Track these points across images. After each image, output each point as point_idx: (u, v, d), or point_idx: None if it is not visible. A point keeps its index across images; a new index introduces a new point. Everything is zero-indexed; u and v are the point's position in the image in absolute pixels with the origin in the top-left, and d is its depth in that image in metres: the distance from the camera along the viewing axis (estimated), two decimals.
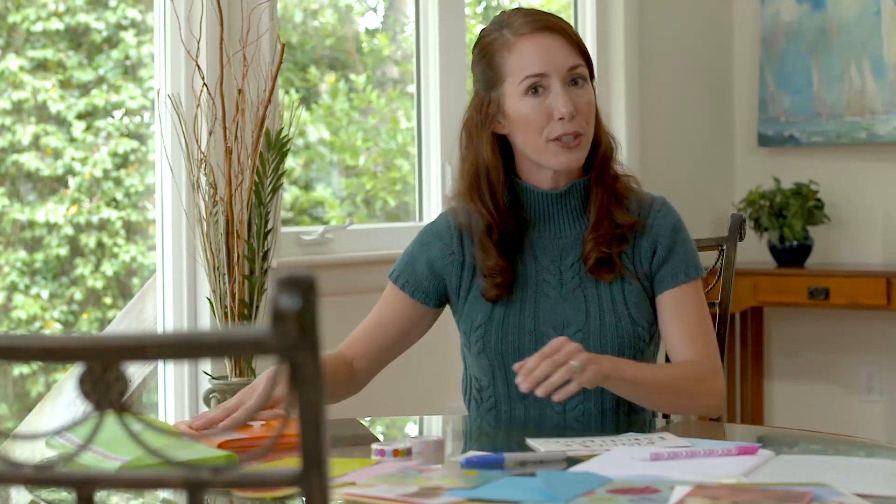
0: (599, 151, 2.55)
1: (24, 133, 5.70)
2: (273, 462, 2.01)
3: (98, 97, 5.82)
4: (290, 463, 1.99)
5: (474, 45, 2.60)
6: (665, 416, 2.76)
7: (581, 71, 2.50)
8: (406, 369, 3.22)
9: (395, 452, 2.07)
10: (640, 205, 2.57)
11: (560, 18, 2.55)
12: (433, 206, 4.51)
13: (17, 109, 5.72)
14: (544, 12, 2.57)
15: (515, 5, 5.61)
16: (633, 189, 2.58)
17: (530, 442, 2.14)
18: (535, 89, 2.48)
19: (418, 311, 2.58)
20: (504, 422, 2.49)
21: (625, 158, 5.21)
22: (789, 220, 5.28)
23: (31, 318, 5.68)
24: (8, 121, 5.69)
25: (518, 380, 2.24)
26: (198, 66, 3.54)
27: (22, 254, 5.71)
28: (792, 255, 5.32)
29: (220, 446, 2.09)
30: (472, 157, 2.56)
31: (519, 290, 2.51)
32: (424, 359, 3.22)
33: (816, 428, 5.22)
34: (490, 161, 2.53)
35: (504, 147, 2.56)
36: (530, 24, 2.51)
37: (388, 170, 5.77)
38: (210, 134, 3.50)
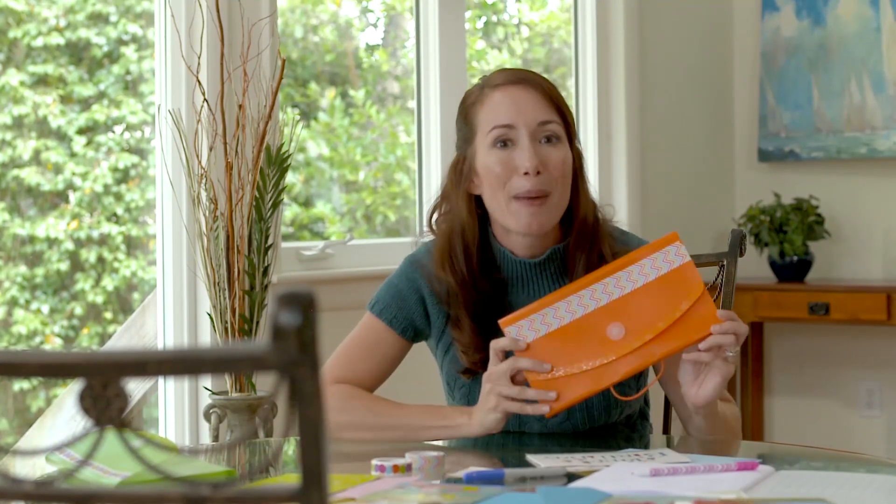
0: (578, 216, 2.44)
1: (25, 148, 5.71)
2: None
3: (99, 112, 5.83)
4: (291, 479, 1.99)
5: (459, 105, 2.53)
6: (665, 432, 2.76)
7: (554, 129, 2.40)
8: (407, 384, 3.22)
9: (395, 468, 2.07)
10: (617, 255, 2.47)
11: (541, 76, 2.46)
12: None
13: (18, 124, 5.73)
14: (527, 70, 2.49)
15: (515, 21, 5.61)
16: (617, 247, 2.46)
17: (530, 458, 2.13)
18: (503, 142, 2.39)
19: (404, 348, 2.52)
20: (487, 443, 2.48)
21: (625, 175, 5.24)
22: (789, 235, 5.29)
23: (31, 333, 5.68)
24: (8, 136, 5.70)
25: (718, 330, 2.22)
26: (198, 81, 3.54)
27: (22, 269, 5.71)
28: (792, 270, 5.32)
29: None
30: (449, 218, 2.48)
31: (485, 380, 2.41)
32: (425, 374, 3.21)
33: (817, 444, 5.22)
34: (465, 221, 2.44)
35: (482, 209, 2.47)
36: (505, 76, 2.44)
37: (387, 185, 5.78)
38: (210, 149, 3.51)
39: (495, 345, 2.26)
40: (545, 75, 2.52)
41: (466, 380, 2.46)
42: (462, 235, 2.45)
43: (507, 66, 5.18)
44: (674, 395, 2.47)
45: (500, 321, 2.26)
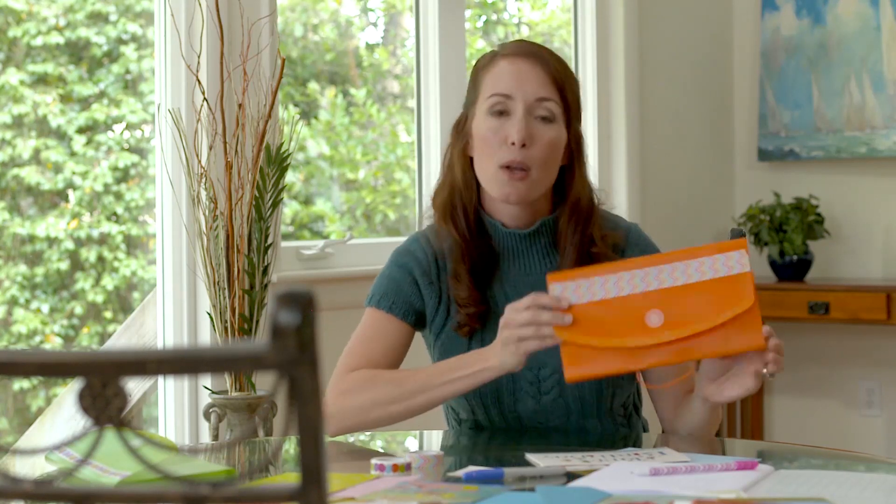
0: (571, 197, 2.48)
1: (25, 147, 5.71)
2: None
3: (98, 111, 5.83)
4: (291, 478, 1.99)
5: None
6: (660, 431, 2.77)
7: (550, 106, 2.44)
8: None
9: (395, 467, 2.07)
10: (614, 244, 2.50)
11: (552, 54, 2.48)
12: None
13: (18, 123, 5.73)
14: (540, 45, 2.51)
15: (515, 20, 5.61)
16: (606, 230, 2.50)
17: (530, 457, 2.14)
18: (499, 112, 2.43)
19: (408, 334, 2.53)
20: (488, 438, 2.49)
21: (625, 174, 5.23)
22: (789, 234, 5.29)
23: (31, 332, 5.69)
24: (8, 135, 5.70)
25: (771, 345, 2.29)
26: (198, 80, 3.54)
27: (22, 268, 5.71)
28: (792, 269, 5.32)
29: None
30: (450, 176, 2.52)
31: (492, 329, 2.43)
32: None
33: (816, 443, 5.22)
34: (461, 181, 2.49)
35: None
36: (516, 47, 2.48)
37: (387, 184, 5.78)
38: (210, 148, 3.51)
39: (536, 299, 2.24)
40: None
41: (463, 336, 2.47)
42: (461, 195, 2.50)
43: None
44: (657, 394, 2.50)
45: (548, 274, 2.26)
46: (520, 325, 2.24)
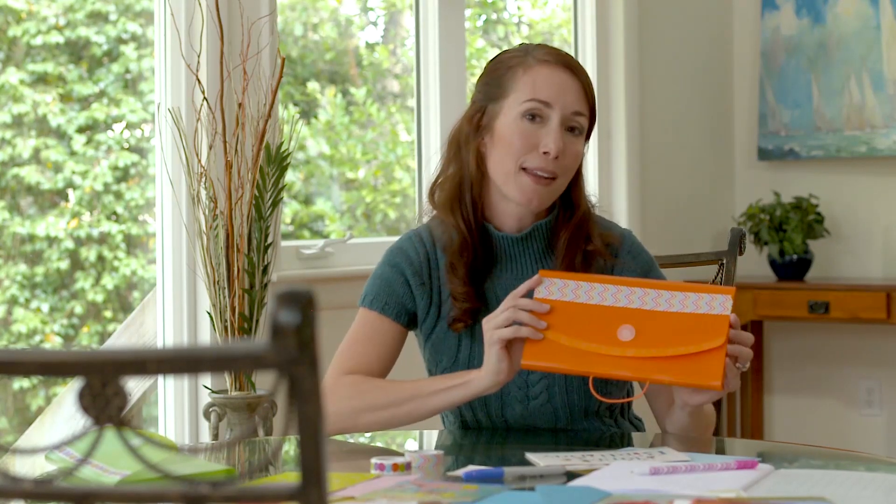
0: (577, 214, 2.50)
1: (25, 147, 5.71)
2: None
3: (98, 111, 5.83)
4: (291, 477, 1.99)
5: (489, 61, 2.56)
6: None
7: (581, 121, 2.45)
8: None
9: (395, 467, 2.07)
10: (608, 246, 2.51)
11: (585, 70, 2.52)
12: None
13: (18, 123, 5.73)
14: (573, 58, 2.53)
15: (515, 20, 5.61)
16: (601, 235, 2.52)
17: (530, 456, 2.14)
18: (532, 116, 2.43)
19: (401, 334, 2.53)
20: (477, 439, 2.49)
21: (625, 174, 5.23)
22: (789, 233, 5.29)
23: (31, 331, 5.69)
24: (8, 134, 5.70)
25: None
26: (198, 80, 3.54)
27: (22, 267, 5.71)
28: (792, 269, 5.32)
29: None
30: (458, 168, 2.51)
31: (482, 330, 2.44)
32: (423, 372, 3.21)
33: (816, 442, 5.22)
34: (475, 174, 2.48)
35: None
36: (556, 56, 2.47)
37: (387, 183, 5.78)
38: (210, 148, 3.51)
39: (514, 295, 2.29)
40: None
41: (456, 332, 2.48)
42: (471, 188, 2.49)
43: None
44: (653, 391, 2.50)
45: (541, 271, 2.32)
46: (497, 326, 2.27)
